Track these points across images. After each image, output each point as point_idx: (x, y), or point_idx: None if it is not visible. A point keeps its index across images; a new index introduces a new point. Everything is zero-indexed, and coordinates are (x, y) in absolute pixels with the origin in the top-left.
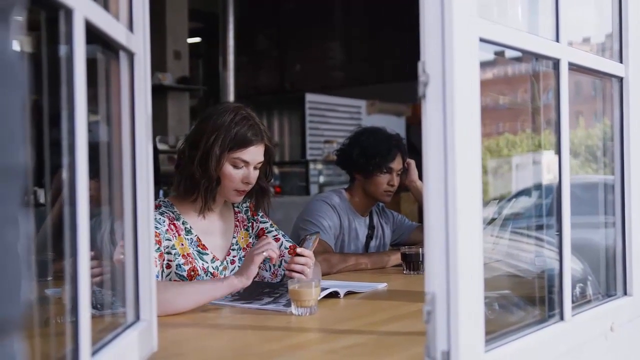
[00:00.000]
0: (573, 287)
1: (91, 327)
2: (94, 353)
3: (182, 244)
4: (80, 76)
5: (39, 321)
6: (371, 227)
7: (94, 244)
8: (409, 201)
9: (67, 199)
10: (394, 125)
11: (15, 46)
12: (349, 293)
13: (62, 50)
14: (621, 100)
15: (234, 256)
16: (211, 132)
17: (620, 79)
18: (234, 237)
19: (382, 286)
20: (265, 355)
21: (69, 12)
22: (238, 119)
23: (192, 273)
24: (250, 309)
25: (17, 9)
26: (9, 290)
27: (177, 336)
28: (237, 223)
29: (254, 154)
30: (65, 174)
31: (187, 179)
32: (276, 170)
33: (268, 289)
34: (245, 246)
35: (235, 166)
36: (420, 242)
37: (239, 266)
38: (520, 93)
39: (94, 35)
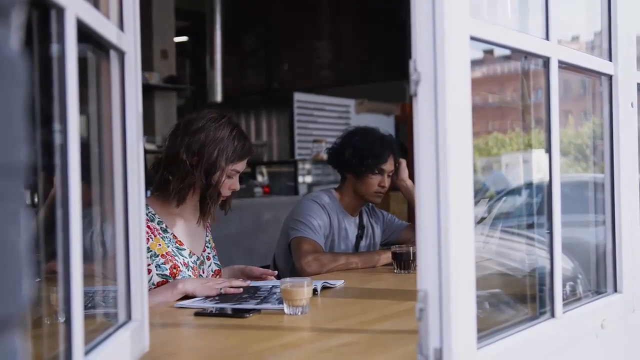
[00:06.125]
0: (563, 286)
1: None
2: (87, 353)
3: (160, 244)
4: (72, 75)
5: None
6: (361, 227)
7: (83, 245)
8: (397, 200)
9: (60, 200)
10: (383, 124)
11: (15, 45)
12: (324, 288)
13: (54, 49)
14: (610, 98)
15: (208, 253)
16: (212, 144)
17: (610, 77)
18: (207, 236)
19: (339, 283)
20: (258, 354)
21: (60, 11)
22: (236, 134)
23: (175, 270)
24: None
25: (17, 7)
26: (11, 287)
27: (168, 336)
28: (207, 224)
29: (245, 164)
30: (57, 175)
31: (187, 188)
32: (264, 170)
33: (249, 292)
34: (212, 247)
35: (230, 177)
36: (410, 241)
37: (215, 262)
38: (509, 92)
39: (84, 34)
